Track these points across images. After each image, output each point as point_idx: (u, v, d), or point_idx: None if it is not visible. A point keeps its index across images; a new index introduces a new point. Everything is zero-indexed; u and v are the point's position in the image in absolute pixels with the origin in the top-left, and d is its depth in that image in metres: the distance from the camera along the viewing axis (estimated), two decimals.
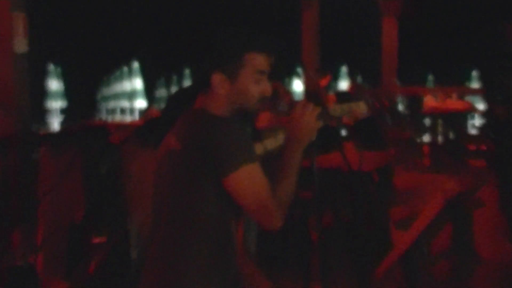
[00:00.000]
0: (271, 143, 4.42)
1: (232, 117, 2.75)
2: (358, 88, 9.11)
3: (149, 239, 2.84)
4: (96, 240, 5.84)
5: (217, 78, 2.73)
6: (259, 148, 4.51)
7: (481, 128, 17.83)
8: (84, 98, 27.86)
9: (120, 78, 25.97)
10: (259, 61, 2.76)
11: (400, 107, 15.31)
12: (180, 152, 2.71)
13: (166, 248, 2.74)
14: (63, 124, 23.81)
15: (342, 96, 8.27)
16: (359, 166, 5.64)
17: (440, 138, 12.53)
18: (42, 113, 23.55)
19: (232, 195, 2.66)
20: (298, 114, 2.76)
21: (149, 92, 26.39)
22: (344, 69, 23.91)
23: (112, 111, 27.57)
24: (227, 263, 2.74)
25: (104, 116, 27.61)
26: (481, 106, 18.38)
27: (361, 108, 3.95)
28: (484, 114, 15.54)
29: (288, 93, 11.79)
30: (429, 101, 12.96)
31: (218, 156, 2.60)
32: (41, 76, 23.07)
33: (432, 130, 12.75)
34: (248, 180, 2.62)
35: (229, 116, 2.76)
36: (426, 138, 13.48)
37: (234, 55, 2.73)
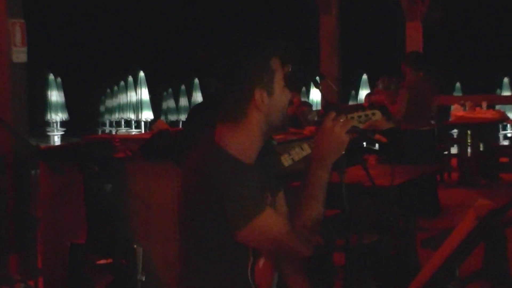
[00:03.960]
0: (298, 153, 4.42)
1: (242, 162, 2.70)
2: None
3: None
4: (101, 261, 5.83)
5: (259, 94, 2.69)
6: (286, 160, 4.50)
7: None
8: (86, 109, 27.96)
9: (125, 88, 25.97)
10: (280, 64, 2.75)
11: None
12: (187, 199, 2.73)
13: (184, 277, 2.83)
14: (64, 137, 23.86)
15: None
16: (383, 181, 5.60)
17: (469, 150, 12.45)
18: (41, 126, 23.59)
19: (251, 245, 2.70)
20: (327, 126, 2.71)
21: (155, 103, 26.40)
22: (365, 77, 23.83)
23: (117, 123, 27.60)
24: None
25: (108, 128, 27.67)
26: None
27: (376, 116, 3.95)
28: None
29: (305, 104, 11.75)
30: (457, 110, 12.90)
31: (225, 211, 2.61)
32: (40, 87, 23.13)
33: (460, 141, 12.68)
34: (260, 231, 2.64)
35: (246, 155, 2.73)
36: (454, 150, 13.41)
37: (267, 64, 2.70)
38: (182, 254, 2.84)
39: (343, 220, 3.03)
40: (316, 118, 2.79)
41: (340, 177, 2.93)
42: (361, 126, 3.92)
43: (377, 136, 2.83)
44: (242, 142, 2.72)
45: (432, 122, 9.66)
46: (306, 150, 4.59)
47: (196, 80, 26.40)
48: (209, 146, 2.72)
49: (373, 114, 3.96)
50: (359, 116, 3.98)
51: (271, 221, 2.64)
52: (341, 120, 2.70)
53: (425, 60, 9.47)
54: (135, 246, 5.30)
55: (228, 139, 2.71)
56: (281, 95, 2.74)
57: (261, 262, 2.79)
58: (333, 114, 2.72)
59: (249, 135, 2.72)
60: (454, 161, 13.05)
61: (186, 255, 2.81)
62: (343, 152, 2.74)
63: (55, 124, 24.06)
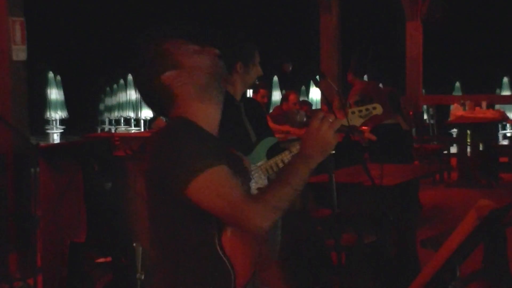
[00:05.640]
0: (287, 156, 4.40)
1: (192, 122, 2.74)
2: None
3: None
4: (100, 260, 5.83)
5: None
6: (287, 157, 4.48)
7: None
8: (86, 107, 27.95)
9: (125, 87, 25.98)
10: None
11: (426, 116, 15.28)
12: (147, 170, 2.73)
13: (158, 268, 2.80)
14: (64, 135, 23.87)
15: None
16: (382, 181, 5.60)
17: (469, 150, 12.46)
18: (41, 124, 23.59)
19: (200, 207, 2.62)
20: (315, 127, 2.67)
21: None
22: (364, 76, 23.80)
23: (116, 122, 27.60)
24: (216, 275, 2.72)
25: (107, 127, 27.67)
26: None
27: (377, 110, 3.94)
28: None
29: (305, 103, 11.73)
30: (457, 110, 12.91)
31: (174, 169, 2.59)
32: (40, 85, 23.12)
33: (460, 141, 12.68)
34: (209, 186, 2.58)
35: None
36: (454, 149, 13.42)
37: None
38: (152, 239, 2.82)
39: (334, 220, 3.03)
40: (304, 119, 2.78)
41: (330, 178, 2.92)
42: (362, 120, 3.92)
43: (367, 135, 2.83)
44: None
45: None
46: None
47: None
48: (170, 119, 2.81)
49: (374, 108, 3.95)
50: (360, 111, 3.97)
51: (222, 177, 2.60)
52: (330, 120, 2.68)
53: (364, 63, 9.42)
54: (134, 244, 5.30)
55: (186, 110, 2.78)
56: None
57: (229, 231, 2.74)
58: (321, 114, 2.69)
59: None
60: (453, 161, 13.05)
61: (154, 237, 2.79)
62: (332, 153, 2.72)
63: (54, 122, 24.04)
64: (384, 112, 9.15)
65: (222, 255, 2.70)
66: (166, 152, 2.62)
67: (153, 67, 2.77)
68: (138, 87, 2.83)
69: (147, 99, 2.83)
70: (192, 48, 2.80)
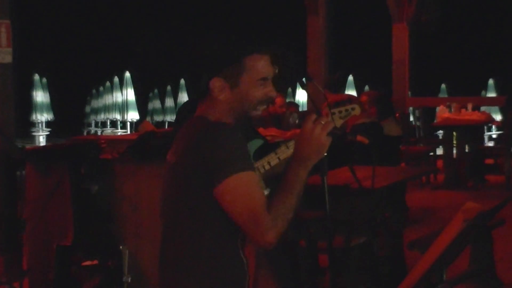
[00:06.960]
0: (283, 152, 4.41)
1: (229, 124, 2.76)
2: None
3: (161, 245, 2.97)
4: (87, 263, 5.81)
5: (216, 84, 2.76)
6: (273, 159, 4.49)
7: (500, 140, 17.80)
8: (72, 110, 27.88)
9: (111, 89, 25.92)
10: (261, 64, 2.79)
11: (412, 118, 15.32)
12: (175, 164, 2.75)
13: (172, 257, 2.90)
14: (50, 138, 23.80)
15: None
16: (369, 183, 5.61)
17: (455, 152, 12.49)
18: (27, 127, 23.51)
19: (223, 207, 2.65)
20: (308, 129, 2.71)
21: (141, 104, 26.36)
22: (350, 78, 23.82)
23: (103, 124, 27.55)
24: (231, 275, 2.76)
25: (93, 129, 27.61)
26: (498, 116, 18.44)
27: (356, 111, 3.99)
28: (502, 125, 15.52)
29: (292, 104, 11.72)
30: (443, 112, 12.94)
31: (209, 164, 2.63)
32: (26, 87, 23.04)
33: (446, 143, 12.71)
34: (238, 189, 2.62)
35: (229, 122, 2.78)
36: (440, 151, 13.44)
37: (232, 58, 2.76)
38: (170, 237, 2.86)
39: (325, 223, 3.04)
40: (297, 121, 2.81)
41: (322, 180, 2.93)
42: (342, 121, 3.97)
43: (359, 138, 2.85)
44: (216, 111, 2.79)
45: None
46: (291, 148, 4.58)
47: (182, 81, 26.39)
48: (190, 120, 2.82)
49: (353, 109, 3.99)
50: (340, 112, 4.01)
51: (251, 184, 2.65)
52: (322, 123, 2.70)
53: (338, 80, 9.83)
54: (121, 247, 5.28)
55: (206, 110, 2.80)
56: (250, 92, 2.78)
57: None
58: (313, 116, 2.72)
59: (220, 108, 2.80)
60: (440, 163, 13.07)
61: (175, 235, 2.82)
62: (325, 154, 2.75)
63: (40, 125, 23.97)
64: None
65: (243, 258, 2.78)
66: (207, 147, 2.64)
67: (218, 64, 2.77)
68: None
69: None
70: (261, 76, 2.80)
